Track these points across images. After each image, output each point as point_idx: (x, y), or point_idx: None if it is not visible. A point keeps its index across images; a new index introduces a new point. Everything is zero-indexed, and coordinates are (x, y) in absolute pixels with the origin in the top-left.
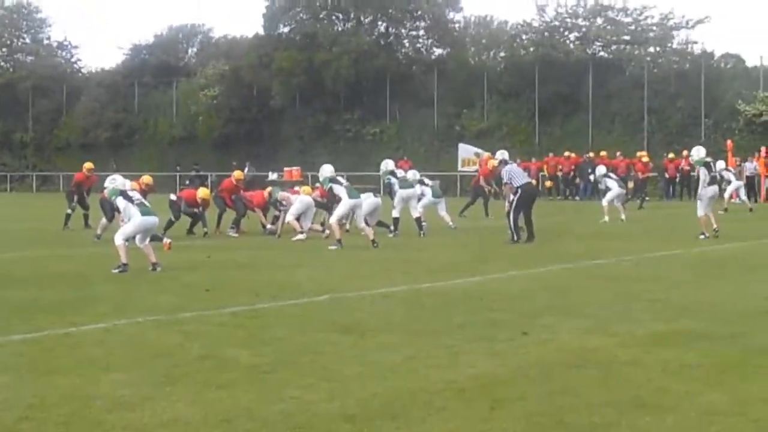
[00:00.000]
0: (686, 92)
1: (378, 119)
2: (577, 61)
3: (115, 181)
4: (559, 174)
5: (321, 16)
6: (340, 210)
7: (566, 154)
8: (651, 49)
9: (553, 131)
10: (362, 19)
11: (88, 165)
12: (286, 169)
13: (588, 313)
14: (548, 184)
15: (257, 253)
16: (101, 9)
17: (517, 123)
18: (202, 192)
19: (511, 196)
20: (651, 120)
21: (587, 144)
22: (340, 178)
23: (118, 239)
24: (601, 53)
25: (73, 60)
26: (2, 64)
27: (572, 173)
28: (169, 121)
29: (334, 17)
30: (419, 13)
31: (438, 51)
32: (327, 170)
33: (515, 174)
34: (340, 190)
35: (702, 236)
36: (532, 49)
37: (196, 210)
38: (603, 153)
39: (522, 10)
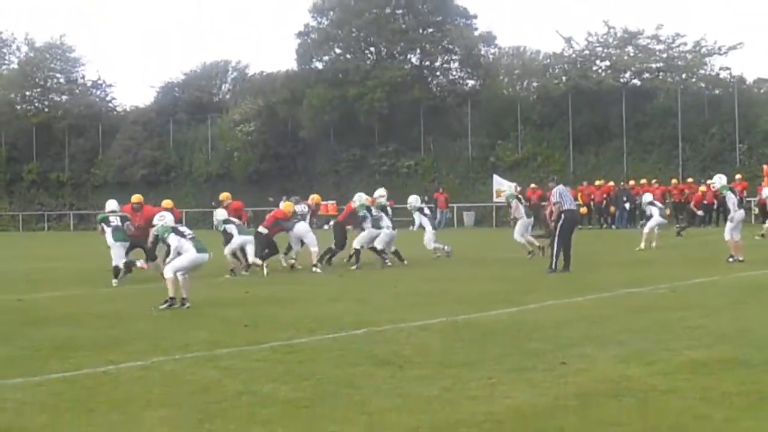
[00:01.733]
0: (720, 118)
1: (412, 152)
2: (609, 90)
3: (163, 218)
4: (592, 203)
5: (353, 50)
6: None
7: (597, 182)
8: (683, 76)
9: (587, 160)
10: (395, 52)
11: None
12: (321, 203)
13: (625, 342)
14: (583, 210)
15: (295, 287)
16: (134, 47)
17: (552, 152)
18: (286, 205)
19: (552, 221)
20: (685, 147)
21: (622, 172)
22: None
23: (169, 273)
24: (634, 81)
25: (107, 98)
26: (37, 104)
27: (605, 202)
28: (204, 157)
29: (366, 51)
30: (452, 46)
31: (471, 82)
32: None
33: (566, 197)
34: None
35: (730, 260)
36: (564, 78)
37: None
38: (643, 180)
39: (554, 40)
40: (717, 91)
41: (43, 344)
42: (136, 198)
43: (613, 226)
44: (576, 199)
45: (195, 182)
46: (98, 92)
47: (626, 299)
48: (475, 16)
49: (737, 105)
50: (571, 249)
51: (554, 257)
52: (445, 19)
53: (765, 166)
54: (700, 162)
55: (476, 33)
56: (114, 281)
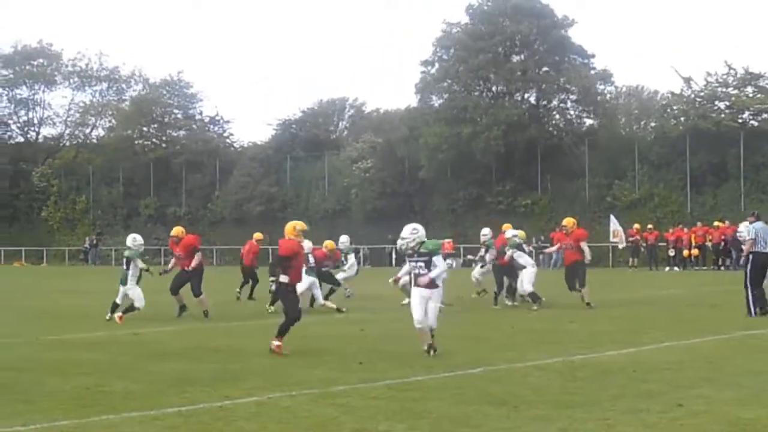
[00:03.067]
0: None
1: (530, 190)
2: (727, 130)
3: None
4: (709, 244)
5: (471, 88)
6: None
7: (715, 224)
8: None
9: (705, 201)
10: (512, 90)
11: (258, 235)
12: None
13: (744, 384)
14: (695, 252)
15: (408, 324)
16: (252, 83)
17: (669, 193)
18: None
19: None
20: None
21: (740, 213)
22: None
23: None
24: (752, 122)
25: (225, 134)
26: (155, 139)
27: (723, 243)
28: (321, 194)
29: (484, 89)
30: (569, 85)
31: (588, 121)
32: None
33: (760, 236)
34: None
35: None
36: (682, 119)
37: None
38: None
39: (672, 79)
40: None
41: (160, 378)
42: (176, 231)
43: (730, 268)
44: (691, 240)
45: (311, 219)
46: (216, 128)
47: (744, 341)
48: (593, 55)
49: None
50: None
51: (748, 302)
52: (562, 58)
53: None
54: None
55: (593, 72)
56: (108, 315)
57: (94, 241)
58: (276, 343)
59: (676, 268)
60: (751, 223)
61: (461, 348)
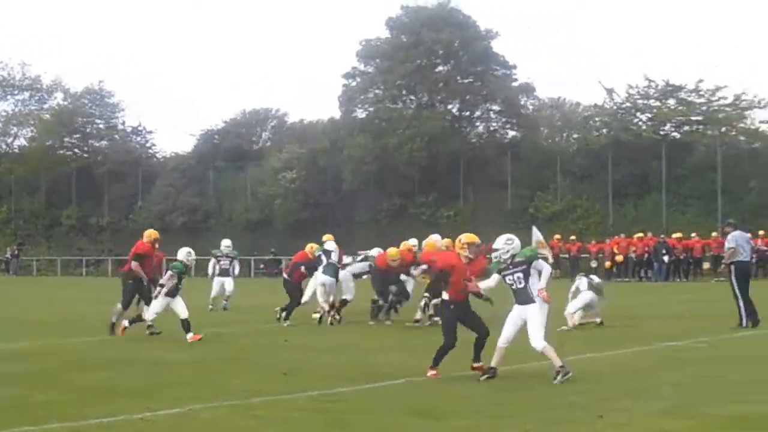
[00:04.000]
0: (760, 172)
1: (452, 201)
2: (649, 143)
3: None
4: (633, 255)
5: (395, 98)
6: None
7: (638, 235)
8: (723, 129)
9: (626, 212)
10: (435, 101)
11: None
12: (360, 252)
13: (665, 396)
14: (619, 258)
15: (334, 336)
16: (175, 94)
17: (591, 204)
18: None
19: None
20: (724, 200)
21: (661, 225)
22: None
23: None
24: (674, 134)
25: (147, 145)
26: (77, 150)
27: (646, 254)
28: (243, 204)
29: (408, 100)
30: (492, 96)
31: (511, 133)
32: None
33: (740, 244)
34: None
35: None
36: (604, 130)
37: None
38: (678, 234)
39: (594, 92)
40: (757, 145)
41: (82, 389)
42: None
43: (652, 279)
44: (614, 251)
45: (234, 229)
46: (138, 138)
47: (665, 353)
48: (515, 67)
49: None
50: (752, 303)
51: (740, 311)
52: (485, 69)
53: None
54: (739, 216)
55: (516, 83)
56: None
57: (16, 252)
58: (431, 372)
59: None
60: (729, 232)
61: (385, 360)
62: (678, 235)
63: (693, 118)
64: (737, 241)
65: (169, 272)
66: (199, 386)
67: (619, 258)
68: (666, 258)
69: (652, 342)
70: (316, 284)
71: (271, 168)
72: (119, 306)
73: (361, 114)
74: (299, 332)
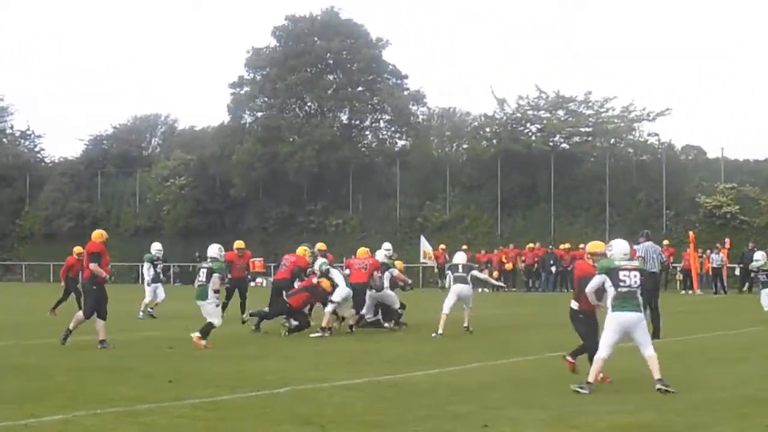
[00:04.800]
0: (648, 184)
1: (341, 210)
2: (538, 153)
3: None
4: (522, 265)
5: (284, 106)
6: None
7: (530, 245)
8: (612, 141)
9: (515, 223)
10: (325, 110)
11: (77, 249)
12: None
13: (549, 405)
14: (508, 266)
15: (217, 344)
16: (64, 98)
17: (480, 215)
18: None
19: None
20: (612, 212)
21: (549, 235)
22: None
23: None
24: (563, 145)
25: (36, 149)
26: None
27: (535, 265)
28: (132, 210)
29: (297, 108)
30: (382, 104)
31: (401, 142)
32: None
33: (648, 256)
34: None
35: None
36: (494, 141)
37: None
38: (565, 245)
39: (485, 102)
40: (645, 157)
41: None
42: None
43: (540, 289)
44: (502, 261)
45: (122, 236)
46: (27, 143)
47: (551, 362)
48: (406, 76)
49: (665, 171)
50: (659, 315)
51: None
52: (375, 77)
53: (691, 233)
54: (627, 227)
55: (406, 93)
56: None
57: None
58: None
59: (486, 290)
60: (641, 242)
61: (268, 368)
62: (566, 245)
63: (582, 130)
64: (647, 252)
65: (216, 274)
66: (81, 393)
67: (509, 266)
68: (554, 268)
69: (538, 352)
70: (341, 296)
71: (159, 174)
72: (80, 314)
73: (249, 120)
74: (184, 340)
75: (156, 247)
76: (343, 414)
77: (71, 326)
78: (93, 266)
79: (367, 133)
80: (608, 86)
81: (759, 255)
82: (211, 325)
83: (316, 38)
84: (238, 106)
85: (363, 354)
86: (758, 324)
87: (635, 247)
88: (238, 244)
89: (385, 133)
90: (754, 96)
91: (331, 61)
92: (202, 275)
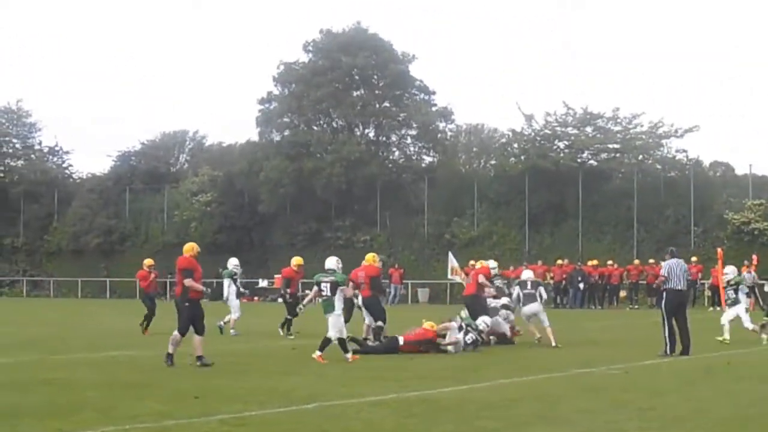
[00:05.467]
0: (675, 200)
1: (369, 227)
2: (566, 170)
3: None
4: (551, 282)
5: (310, 123)
6: None
7: (558, 262)
8: (640, 158)
9: (543, 239)
10: (352, 126)
11: (148, 261)
12: (276, 276)
13: (577, 422)
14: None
15: (246, 359)
16: (93, 114)
17: (507, 231)
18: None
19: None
20: (640, 228)
21: (577, 252)
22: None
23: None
24: (591, 161)
25: (64, 165)
26: None
27: (564, 281)
28: (160, 227)
29: (324, 124)
30: (409, 120)
31: (428, 159)
32: None
33: (673, 273)
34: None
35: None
36: (522, 157)
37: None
38: (594, 261)
39: (513, 118)
40: (673, 174)
41: None
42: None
43: (567, 305)
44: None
45: (150, 252)
46: (55, 159)
47: (578, 379)
48: (434, 92)
49: (693, 188)
50: (688, 332)
51: (665, 338)
52: (402, 93)
53: (719, 250)
54: (654, 244)
55: (434, 108)
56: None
57: None
58: None
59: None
60: (666, 260)
61: (297, 383)
62: (594, 262)
63: (610, 146)
64: (670, 270)
65: (342, 287)
66: (109, 408)
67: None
68: (582, 285)
69: (565, 369)
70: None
71: (187, 190)
72: (176, 334)
73: (277, 136)
74: (210, 354)
75: (233, 263)
76: (371, 430)
77: (170, 350)
78: (188, 282)
79: (394, 149)
80: (636, 103)
81: (729, 269)
82: (329, 340)
83: (342, 54)
84: (267, 122)
85: (391, 370)
86: None
87: (661, 263)
88: (297, 260)
89: (412, 149)
90: None
91: (357, 77)
92: (325, 289)
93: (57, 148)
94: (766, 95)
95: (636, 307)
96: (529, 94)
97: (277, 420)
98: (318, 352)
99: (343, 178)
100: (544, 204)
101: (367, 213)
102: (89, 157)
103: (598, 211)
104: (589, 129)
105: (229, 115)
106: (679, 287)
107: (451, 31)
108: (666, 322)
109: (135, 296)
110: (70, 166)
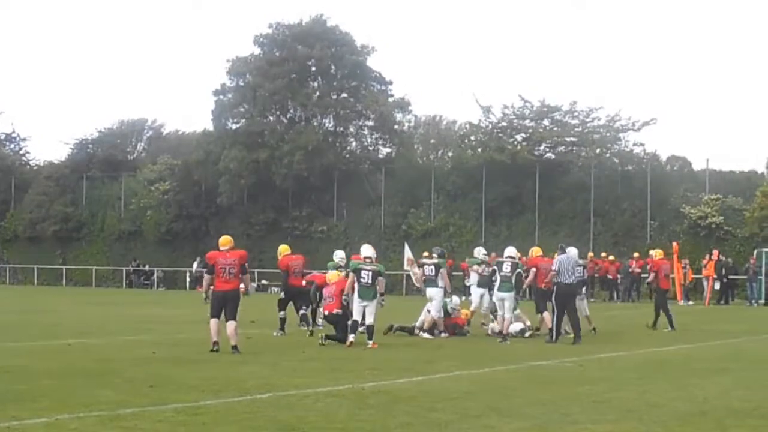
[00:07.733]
0: (632, 194)
1: (326, 217)
2: (523, 162)
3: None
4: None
5: (268, 113)
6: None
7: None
8: (597, 151)
9: (499, 232)
10: (309, 116)
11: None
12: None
13: (531, 415)
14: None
15: (203, 348)
16: (50, 101)
17: (464, 223)
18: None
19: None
20: (597, 221)
21: (533, 244)
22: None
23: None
24: (548, 154)
25: (21, 152)
26: None
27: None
28: (116, 215)
29: (280, 114)
30: (366, 111)
31: (385, 150)
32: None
33: (563, 268)
34: None
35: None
36: (479, 149)
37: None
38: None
39: (470, 110)
40: (630, 167)
41: None
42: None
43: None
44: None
45: (107, 240)
46: (12, 146)
47: (533, 372)
48: (391, 83)
49: (650, 181)
50: (578, 321)
51: (552, 328)
52: (359, 84)
53: (675, 244)
54: (611, 237)
55: (391, 99)
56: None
57: None
58: None
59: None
60: (557, 255)
61: (252, 373)
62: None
63: (567, 139)
64: (561, 265)
65: (381, 278)
66: (64, 396)
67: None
68: None
69: (520, 361)
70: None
71: (144, 179)
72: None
73: (234, 126)
74: (168, 344)
75: (339, 255)
76: (326, 420)
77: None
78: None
79: (352, 139)
80: (594, 96)
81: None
82: (372, 327)
83: (298, 45)
84: (222, 113)
85: (347, 361)
86: (739, 335)
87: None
88: (284, 248)
89: (369, 139)
90: (740, 107)
91: (314, 68)
92: (366, 277)
93: (14, 135)
94: (723, 90)
95: (592, 300)
96: (486, 87)
97: (231, 409)
98: (369, 342)
99: (301, 167)
100: (501, 196)
101: (324, 203)
102: (46, 145)
103: (555, 204)
104: (546, 122)
105: (187, 104)
106: (568, 281)
107: (409, 22)
108: (556, 313)
109: (91, 284)
110: (27, 153)
